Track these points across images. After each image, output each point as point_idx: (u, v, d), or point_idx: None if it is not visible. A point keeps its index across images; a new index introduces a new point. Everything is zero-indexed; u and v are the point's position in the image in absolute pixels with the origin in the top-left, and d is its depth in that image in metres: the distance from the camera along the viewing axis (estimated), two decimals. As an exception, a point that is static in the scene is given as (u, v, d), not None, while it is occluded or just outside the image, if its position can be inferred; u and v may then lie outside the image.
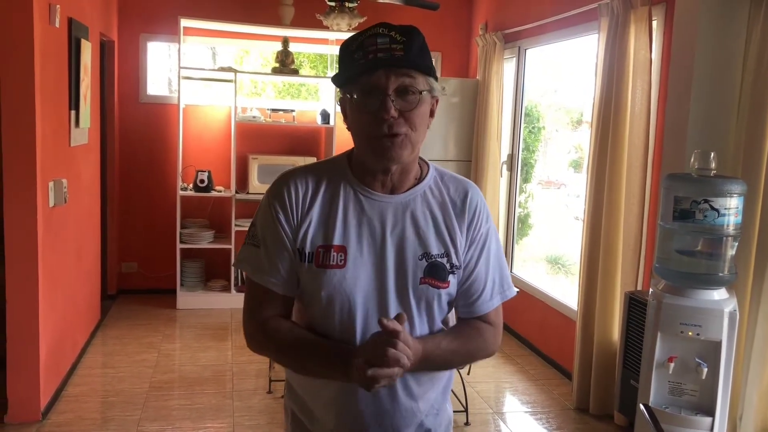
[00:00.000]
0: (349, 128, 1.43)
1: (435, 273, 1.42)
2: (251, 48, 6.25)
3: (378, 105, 1.33)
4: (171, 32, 5.61)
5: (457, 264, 1.46)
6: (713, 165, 2.64)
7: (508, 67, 5.58)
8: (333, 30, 5.30)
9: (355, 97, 1.36)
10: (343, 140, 6.11)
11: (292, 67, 5.75)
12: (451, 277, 1.45)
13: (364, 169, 1.45)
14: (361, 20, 5.03)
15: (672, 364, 2.64)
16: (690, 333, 2.58)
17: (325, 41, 6.11)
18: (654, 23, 3.65)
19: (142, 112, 5.82)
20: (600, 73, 3.94)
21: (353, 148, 1.49)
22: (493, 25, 5.80)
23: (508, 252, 5.66)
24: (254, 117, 5.74)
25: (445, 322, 1.51)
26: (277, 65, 5.73)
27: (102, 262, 5.33)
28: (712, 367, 2.59)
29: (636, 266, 3.69)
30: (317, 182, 1.46)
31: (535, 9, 5.00)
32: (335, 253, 1.40)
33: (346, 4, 4.85)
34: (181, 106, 5.54)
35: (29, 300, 3.44)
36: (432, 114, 1.43)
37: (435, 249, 1.43)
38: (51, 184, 3.63)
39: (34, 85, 3.35)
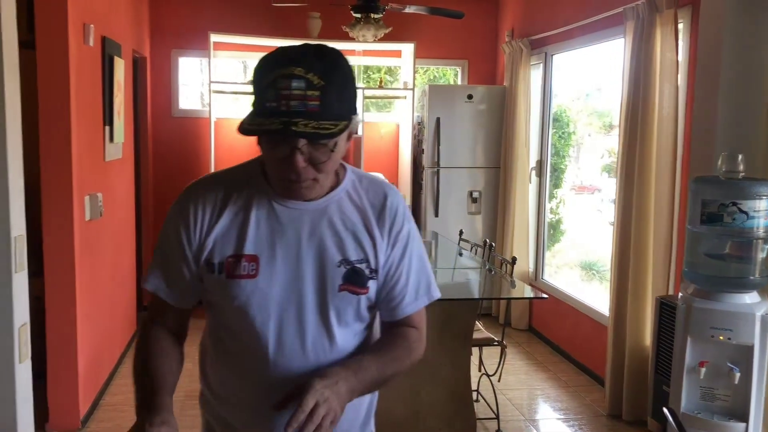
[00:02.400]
0: (239, 131, 1.31)
1: (354, 279, 1.39)
2: (280, 60, 6.33)
3: (287, 153, 1.28)
4: (201, 47, 5.72)
5: (377, 268, 1.42)
6: (741, 167, 2.62)
7: (535, 73, 5.58)
8: (359, 41, 5.35)
9: (263, 138, 1.30)
10: (371, 149, 6.17)
11: (320, 78, 5.82)
12: (371, 283, 1.41)
13: None
14: (387, 30, 5.07)
15: (703, 369, 2.61)
16: (721, 337, 2.55)
17: (352, 53, 6.17)
18: (680, 26, 3.63)
19: (175, 126, 5.94)
20: (627, 76, 3.92)
21: None
22: (519, 31, 5.80)
23: (538, 258, 5.63)
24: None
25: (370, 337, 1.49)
26: (305, 77, 5.79)
27: (137, 274, 5.44)
28: (745, 371, 2.56)
29: (667, 270, 3.66)
30: (227, 192, 1.41)
31: (561, 15, 5.00)
32: (246, 263, 1.36)
33: (372, 15, 4.90)
34: (213, 119, 5.65)
35: (67, 311, 3.53)
36: (350, 138, 1.36)
37: (353, 255, 1.40)
38: (87, 198, 3.73)
39: (69, 103, 3.45)
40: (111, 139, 4.25)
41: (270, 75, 1.24)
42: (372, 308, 1.46)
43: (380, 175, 4.69)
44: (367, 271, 1.40)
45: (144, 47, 5.59)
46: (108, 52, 4.12)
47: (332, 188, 1.42)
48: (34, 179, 3.39)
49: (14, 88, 2.44)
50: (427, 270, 1.51)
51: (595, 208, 6.40)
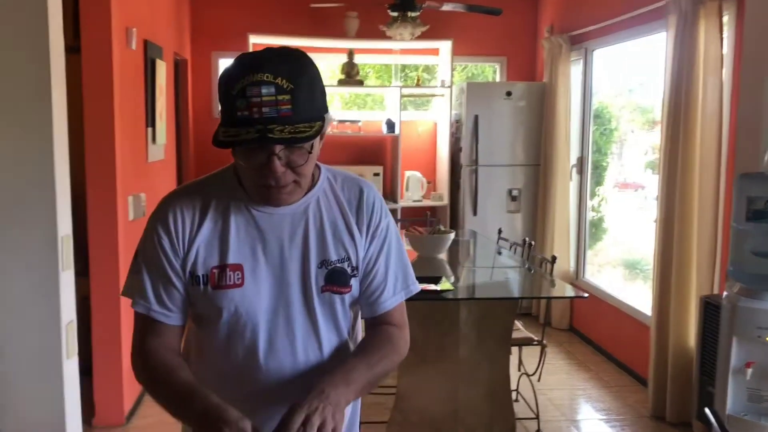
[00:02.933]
0: (214, 144, 1.32)
1: (336, 279, 1.39)
2: (318, 61, 6.33)
3: (264, 160, 1.26)
4: (241, 49, 5.78)
5: (357, 265, 1.42)
6: (789, 163, 2.55)
7: (575, 69, 5.51)
8: (396, 40, 5.35)
9: (238, 148, 1.28)
10: (408, 147, 6.17)
11: (358, 78, 5.85)
12: (353, 281, 1.42)
13: None
14: (424, 28, 5.07)
15: (750, 370, 2.55)
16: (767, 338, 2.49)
17: (389, 51, 6.18)
18: (725, 18, 3.55)
19: (215, 127, 6.01)
20: (669, 71, 3.84)
21: None
22: (559, 27, 5.74)
23: (579, 257, 5.56)
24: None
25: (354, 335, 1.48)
26: (343, 77, 5.83)
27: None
28: (793, 372, 2.49)
29: (711, 269, 3.58)
30: (205, 202, 1.39)
31: (601, 9, 4.92)
32: (231, 272, 1.35)
33: (409, 13, 4.89)
34: (252, 119, 5.70)
35: (112, 310, 3.61)
36: (322, 137, 1.35)
37: (334, 255, 1.40)
38: (130, 198, 3.81)
39: (113, 105, 3.53)
40: (153, 140, 4.33)
41: (237, 84, 1.22)
42: (354, 305, 1.46)
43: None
44: (349, 270, 1.41)
45: (185, 50, 5.68)
46: (150, 55, 4.20)
47: (308, 189, 1.41)
48: (79, 181, 3.48)
49: (61, 93, 2.51)
50: (405, 264, 1.50)
51: (639, 206, 6.29)
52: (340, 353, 1.45)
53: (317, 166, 1.45)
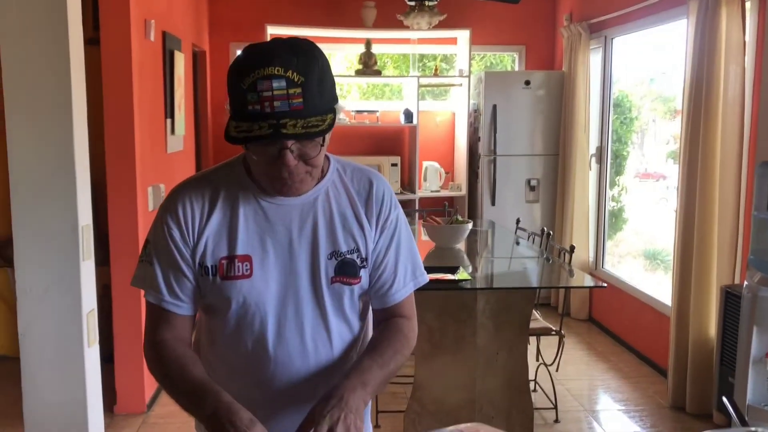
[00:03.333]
0: (227, 140, 1.30)
1: (346, 270, 1.39)
2: (336, 51, 6.38)
3: (276, 154, 1.27)
4: (258, 39, 5.77)
5: (367, 257, 1.42)
6: (812, 150, 2.51)
7: (595, 57, 5.45)
8: (414, 29, 5.33)
9: (247, 145, 1.28)
10: (426, 137, 6.15)
11: (375, 68, 5.83)
12: (362, 272, 1.42)
13: None
14: (441, 17, 5.04)
15: (770, 360, 2.52)
16: (789, 327, 2.46)
17: (407, 41, 6.16)
18: (747, 4, 3.49)
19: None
20: (690, 58, 3.79)
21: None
22: (578, 15, 5.68)
23: (599, 247, 5.52)
24: (340, 119, 5.84)
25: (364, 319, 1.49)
26: (361, 67, 5.82)
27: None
28: (815, 363, 2.46)
29: (733, 259, 3.54)
30: (214, 193, 1.39)
31: (621, -4, 4.87)
32: (240, 263, 1.35)
33: (426, 2, 4.87)
34: (270, 110, 5.72)
35: (133, 299, 3.65)
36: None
37: (344, 246, 1.40)
38: (150, 189, 3.85)
39: (132, 97, 3.56)
40: (172, 131, 4.36)
41: (248, 78, 1.21)
42: (363, 296, 1.46)
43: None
44: (358, 261, 1.41)
45: (203, 41, 5.71)
46: (168, 46, 4.22)
47: (318, 180, 1.41)
48: (99, 172, 3.52)
49: (80, 85, 2.53)
50: (414, 256, 1.50)
51: (661, 196, 6.23)
52: (348, 344, 1.45)
53: (327, 157, 1.45)
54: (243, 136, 1.23)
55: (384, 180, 1.50)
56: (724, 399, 1.33)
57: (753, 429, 1.02)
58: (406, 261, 1.48)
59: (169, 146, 4.29)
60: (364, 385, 1.32)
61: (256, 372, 1.41)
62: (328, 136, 1.32)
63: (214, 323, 1.44)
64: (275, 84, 1.20)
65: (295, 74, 1.22)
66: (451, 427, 0.88)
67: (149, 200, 3.83)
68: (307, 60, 1.24)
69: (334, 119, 1.28)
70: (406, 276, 1.48)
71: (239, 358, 1.41)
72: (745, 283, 2.66)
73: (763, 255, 2.63)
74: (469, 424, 0.88)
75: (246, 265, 1.36)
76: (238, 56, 1.28)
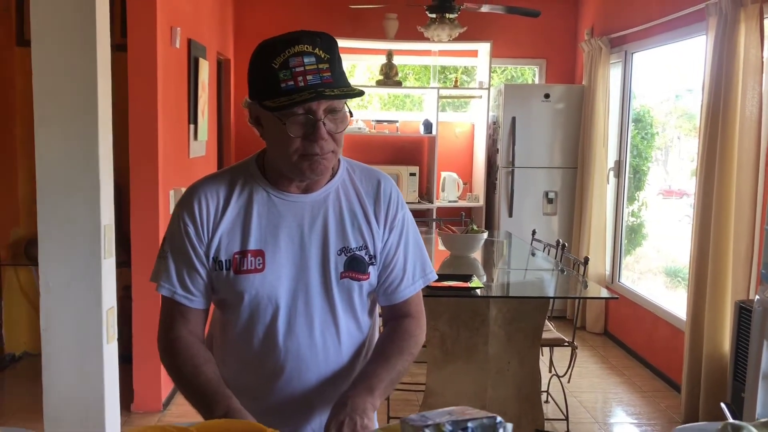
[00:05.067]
0: (263, 137, 1.42)
1: (355, 266, 1.44)
2: (358, 62, 6.45)
3: (309, 129, 1.33)
4: (282, 49, 5.90)
5: (375, 254, 1.47)
6: (825, 166, 2.51)
7: (615, 72, 5.47)
8: (434, 41, 5.39)
9: (281, 119, 1.33)
10: (445, 148, 6.20)
11: (396, 79, 5.90)
12: (371, 269, 1.46)
13: (280, 174, 1.44)
14: (462, 30, 5.09)
15: (780, 375, 2.52)
16: (799, 342, 2.46)
17: (427, 53, 6.22)
18: (766, 21, 3.50)
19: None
20: (708, 74, 3.81)
21: (263, 151, 1.50)
22: (598, 30, 5.71)
23: (615, 261, 5.52)
24: (359, 128, 5.92)
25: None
26: (382, 78, 5.89)
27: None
28: (825, 378, 2.46)
29: (748, 274, 3.54)
30: (229, 190, 1.45)
31: (641, 12, 4.89)
32: (252, 258, 1.41)
33: (447, 15, 4.93)
34: (291, 119, 5.80)
35: (152, 299, 3.70)
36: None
37: (353, 242, 1.45)
38: (172, 192, 3.93)
39: (157, 102, 3.65)
40: (195, 137, 4.45)
41: (279, 57, 1.30)
42: (371, 294, 1.51)
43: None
44: (366, 258, 1.46)
45: (228, 50, 5.81)
46: (193, 54, 4.32)
47: (329, 180, 1.47)
48: (123, 176, 3.61)
49: (106, 89, 2.62)
50: (422, 254, 1.55)
51: (684, 213, 6.19)
52: (356, 339, 1.50)
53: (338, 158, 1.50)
54: (289, 103, 1.30)
55: (391, 180, 1.56)
56: (723, 405, 1.35)
57: (733, 422, 1.05)
58: (414, 259, 1.53)
59: (191, 151, 4.38)
60: (370, 389, 1.37)
61: (266, 364, 1.46)
62: (350, 118, 1.39)
63: (227, 317, 1.50)
64: (306, 60, 1.29)
65: (321, 51, 1.31)
66: (439, 410, 0.92)
67: (171, 203, 3.91)
68: (329, 40, 1.34)
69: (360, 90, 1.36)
70: (415, 274, 1.53)
71: (250, 351, 1.47)
72: (757, 297, 2.67)
73: (775, 270, 2.63)
74: (456, 407, 0.92)
75: (259, 260, 1.41)
76: (259, 47, 1.36)
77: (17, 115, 4.54)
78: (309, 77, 1.29)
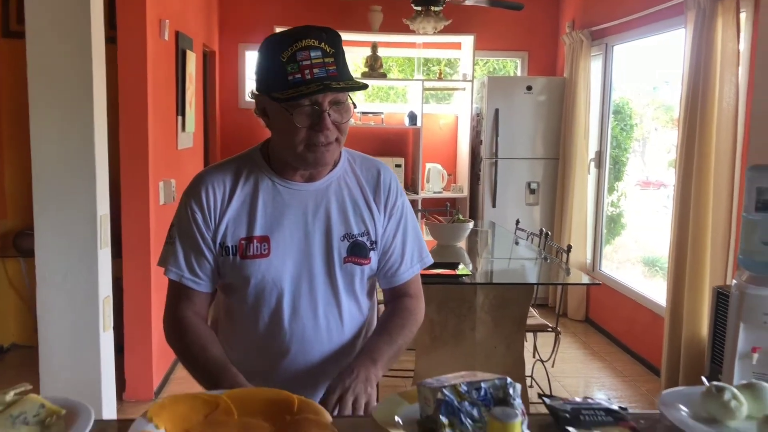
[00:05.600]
0: (270, 127, 1.47)
1: (357, 251, 1.52)
2: (342, 54, 6.50)
3: (315, 120, 1.39)
4: (267, 41, 5.93)
5: (376, 240, 1.55)
6: (798, 155, 2.62)
7: (596, 64, 5.57)
8: (419, 33, 5.45)
9: (288, 110, 1.38)
10: (429, 140, 6.27)
11: (381, 71, 5.96)
12: (372, 254, 1.54)
13: (285, 163, 1.50)
14: (447, 23, 5.16)
15: (756, 355, 2.62)
16: (774, 324, 2.57)
17: (412, 45, 6.28)
18: (743, 15, 3.61)
19: (242, 118, 6.17)
20: (687, 67, 3.91)
21: (267, 141, 1.56)
22: (580, 23, 5.80)
23: (596, 250, 5.63)
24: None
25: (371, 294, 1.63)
26: (366, 70, 5.94)
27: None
28: (798, 358, 2.57)
29: (725, 261, 3.65)
30: (235, 178, 1.51)
31: (622, 5, 4.99)
32: (258, 244, 1.47)
33: (432, 8, 4.99)
34: (277, 110, 5.85)
35: (143, 290, 3.77)
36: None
37: (355, 229, 1.52)
38: (161, 183, 3.96)
39: (147, 94, 3.67)
40: (183, 128, 4.48)
41: (287, 51, 1.35)
42: (372, 278, 1.59)
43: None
44: (368, 243, 1.54)
45: (213, 41, 5.83)
46: (181, 46, 4.34)
47: (331, 169, 1.54)
48: (113, 167, 3.63)
49: (101, 80, 2.66)
50: (420, 239, 1.64)
51: (662, 204, 6.32)
52: (357, 320, 1.58)
53: None
54: (297, 95, 1.35)
55: (390, 170, 1.64)
56: (703, 378, 1.44)
57: (716, 384, 1.13)
58: (413, 244, 1.61)
59: (179, 143, 4.41)
60: (373, 360, 1.46)
61: (272, 346, 1.52)
62: (353, 109, 1.45)
63: (233, 301, 1.56)
64: (313, 53, 1.35)
65: (327, 45, 1.37)
66: (451, 374, 1.00)
67: (160, 195, 3.94)
68: (334, 36, 1.40)
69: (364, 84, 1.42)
70: (413, 257, 1.61)
71: (256, 333, 1.53)
72: (734, 281, 2.78)
73: (752, 255, 2.73)
74: (466, 372, 1.00)
75: (264, 245, 1.48)
76: (266, 41, 1.41)
77: (3, 108, 4.54)
78: (315, 70, 1.35)
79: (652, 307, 4.60)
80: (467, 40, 6.06)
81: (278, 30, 5.23)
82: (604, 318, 5.40)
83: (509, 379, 0.97)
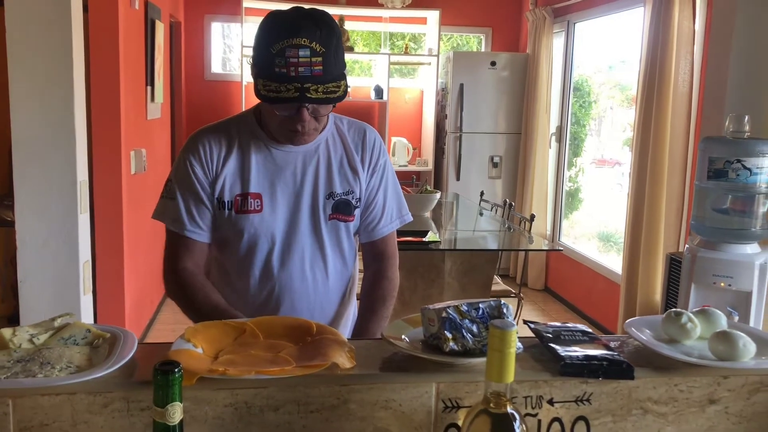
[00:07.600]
0: (258, 97, 1.49)
1: (342, 209, 1.65)
2: (308, 27, 6.51)
3: (294, 111, 1.48)
4: (233, 13, 5.93)
5: (360, 197, 1.67)
6: (747, 128, 2.80)
7: (558, 41, 5.73)
8: (388, 7, 5.52)
9: (272, 98, 1.45)
10: (395, 114, 6.37)
11: (347, 44, 6.01)
12: (356, 211, 1.67)
13: None
14: (414, -2, 5.24)
15: (705, 314, 2.83)
16: (722, 284, 2.77)
17: (378, 19, 6.35)
18: (698, -5, 3.78)
19: (207, 89, 6.18)
20: (645, 45, 4.08)
21: (259, 105, 1.61)
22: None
23: (556, 222, 5.84)
24: (312, 93, 6.01)
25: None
26: (334, 43, 5.99)
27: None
28: (743, 315, 2.78)
29: (678, 228, 3.87)
30: (230, 139, 1.61)
31: (584, -17, 5.13)
32: (252, 200, 1.59)
33: (400, -18, 5.06)
34: (244, 83, 5.87)
35: (116, 259, 3.82)
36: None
37: (340, 188, 1.64)
38: (132, 153, 3.99)
39: (119, 63, 3.69)
40: (152, 98, 4.49)
41: (277, 45, 1.42)
42: (356, 233, 1.71)
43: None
44: (353, 201, 1.66)
45: (179, 12, 5.81)
46: (150, 15, 4.34)
47: (319, 132, 1.63)
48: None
49: (80, 47, 2.68)
50: (400, 197, 1.77)
51: (616, 182, 6.54)
52: (341, 273, 1.71)
53: None
54: (273, 96, 1.44)
55: (375, 131, 1.75)
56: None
57: (675, 309, 1.27)
58: (392, 201, 1.74)
59: (149, 113, 4.43)
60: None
61: (261, 296, 1.65)
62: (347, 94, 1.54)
63: (226, 254, 1.67)
64: (301, 53, 1.41)
65: (318, 45, 1.42)
66: (450, 301, 1.13)
67: (132, 164, 3.97)
68: (328, 33, 1.44)
69: (347, 86, 1.50)
70: (393, 214, 1.74)
71: (247, 283, 1.65)
72: (686, 246, 2.97)
73: (703, 221, 2.93)
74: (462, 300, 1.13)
75: (257, 202, 1.60)
76: (266, 22, 1.48)
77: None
78: (300, 69, 1.41)
79: (608, 275, 4.82)
80: (433, 15, 6.15)
81: (246, 2, 5.16)
82: (563, 287, 5.61)
83: (503, 301, 1.13)
